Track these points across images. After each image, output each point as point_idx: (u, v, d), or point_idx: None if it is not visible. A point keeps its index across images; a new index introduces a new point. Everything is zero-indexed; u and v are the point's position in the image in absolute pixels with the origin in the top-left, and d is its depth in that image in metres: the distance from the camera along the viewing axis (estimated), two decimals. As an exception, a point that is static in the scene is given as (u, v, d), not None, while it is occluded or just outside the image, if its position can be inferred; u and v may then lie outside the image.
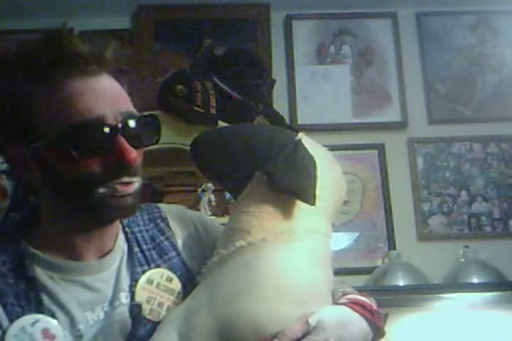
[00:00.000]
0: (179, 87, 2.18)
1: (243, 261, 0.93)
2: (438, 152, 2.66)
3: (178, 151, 2.12)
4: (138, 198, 0.95)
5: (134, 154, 0.90)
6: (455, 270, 2.30)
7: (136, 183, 0.94)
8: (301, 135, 1.04)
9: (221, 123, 2.14)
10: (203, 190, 2.28)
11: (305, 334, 0.87)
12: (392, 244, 2.53)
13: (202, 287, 0.95)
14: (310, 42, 2.76)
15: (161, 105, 2.20)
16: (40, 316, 0.90)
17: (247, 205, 0.97)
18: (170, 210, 1.11)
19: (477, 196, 2.62)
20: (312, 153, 1.01)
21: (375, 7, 2.76)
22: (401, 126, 2.68)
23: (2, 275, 0.92)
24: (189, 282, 1.00)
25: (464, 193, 2.63)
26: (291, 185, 0.95)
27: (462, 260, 2.33)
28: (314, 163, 0.99)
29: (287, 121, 2.51)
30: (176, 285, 1.00)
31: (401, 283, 2.23)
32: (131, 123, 0.91)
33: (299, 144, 1.01)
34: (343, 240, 2.54)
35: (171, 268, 1.01)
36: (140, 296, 0.96)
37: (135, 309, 0.95)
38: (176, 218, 1.09)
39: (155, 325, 0.94)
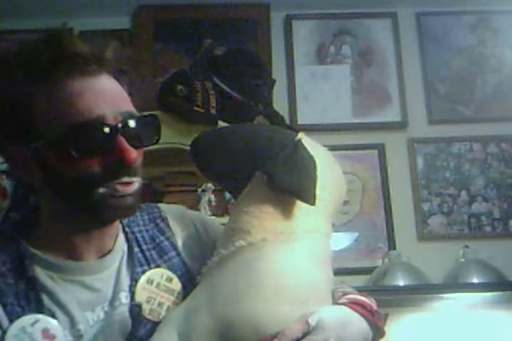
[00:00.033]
0: (179, 87, 2.18)
1: (243, 261, 0.93)
2: (438, 152, 2.66)
3: (178, 151, 2.12)
4: (138, 198, 0.95)
5: (134, 154, 0.91)
6: (455, 270, 2.30)
7: (136, 183, 0.94)
8: (301, 135, 1.04)
9: (221, 123, 2.14)
10: (203, 190, 2.28)
11: (305, 334, 0.87)
12: (392, 244, 2.53)
13: (202, 287, 0.95)
14: (310, 42, 2.76)
15: (161, 105, 2.20)
16: (40, 316, 0.90)
17: (247, 205, 0.97)
18: (170, 210, 1.11)
19: (477, 196, 2.62)
20: (312, 153, 1.01)
21: (375, 7, 2.76)
22: (401, 126, 2.68)
23: (2, 275, 0.92)
24: (189, 282, 1.00)
25: (463, 193, 2.63)
26: (291, 185, 0.95)
27: (462, 260, 2.33)
28: (314, 163, 0.99)
29: (287, 121, 2.50)
30: (176, 285, 1.00)
31: (401, 283, 2.23)
32: (131, 123, 0.91)
33: (299, 144, 1.01)
34: (343, 240, 2.53)
35: (171, 268, 1.01)
36: (140, 296, 0.96)
37: (135, 309, 0.95)
38: (176, 218, 1.09)
39: (155, 325, 0.94)
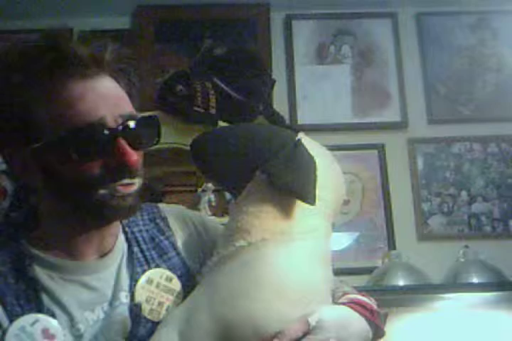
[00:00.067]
0: (179, 87, 2.18)
1: (243, 260, 0.93)
2: (438, 152, 2.66)
3: (178, 151, 2.12)
4: (138, 198, 0.95)
5: (135, 156, 0.91)
6: (455, 270, 2.30)
7: (136, 184, 0.94)
8: (301, 135, 1.04)
9: (221, 123, 2.14)
10: (203, 190, 2.28)
11: (305, 334, 0.88)
12: (392, 244, 2.53)
13: (202, 287, 0.95)
14: (310, 42, 2.76)
15: (161, 105, 2.20)
16: (40, 316, 0.90)
17: (247, 205, 0.97)
18: (170, 210, 1.11)
19: (477, 196, 2.62)
20: (312, 152, 1.01)
21: (375, 7, 2.76)
22: (401, 126, 2.68)
23: (2, 275, 0.92)
24: (189, 282, 1.00)
25: (464, 193, 2.62)
26: (291, 185, 0.95)
27: (462, 260, 2.33)
28: (314, 162, 0.99)
29: (287, 121, 2.50)
30: (176, 285, 1.00)
31: (401, 283, 2.23)
32: (132, 126, 0.91)
33: (298, 144, 1.01)
34: (343, 240, 2.53)
35: (170, 268, 1.01)
36: (140, 296, 0.96)
37: (135, 309, 0.95)
38: (175, 218, 1.09)
39: (155, 324, 0.94)
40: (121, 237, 1.03)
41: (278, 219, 0.95)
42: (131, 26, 2.74)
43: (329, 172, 1.03)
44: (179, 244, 1.06)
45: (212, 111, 2.20)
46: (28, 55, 0.91)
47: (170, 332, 0.90)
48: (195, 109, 2.18)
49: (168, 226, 1.07)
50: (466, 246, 2.35)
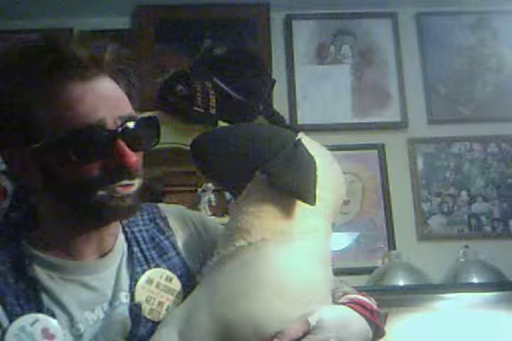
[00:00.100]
0: (179, 87, 2.18)
1: (243, 260, 0.93)
2: (438, 152, 2.66)
3: (178, 151, 2.12)
4: (138, 199, 0.95)
5: (134, 158, 0.91)
6: (455, 270, 2.30)
7: (135, 185, 0.94)
8: (301, 135, 1.04)
9: (221, 123, 2.14)
10: (203, 190, 2.28)
11: (305, 334, 0.88)
12: (392, 244, 2.53)
13: (202, 287, 0.95)
14: (310, 42, 2.76)
15: (161, 105, 2.20)
16: (39, 316, 0.90)
17: (247, 205, 0.97)
18: (170, 210, 1.11)
19: (477, 196, 2.62)
20: (312, 152, 1.01)
21: (375, 7, 2.76)
22: (401, 126, 2.68)
23: (2, 275, 0.92)
24: (189, 282, 1.00)
25: (464, 193, 2.62)
26: (291, 185, 0.95)
27: (462, 260, 2.33)
28: (314, 162, 0.99)
29: (287, 121, 2.50)
30: (176, 284, 1.00)
31: (401, 283, 2.23)
32: (131, 127, 0.91)
33: (298, 144, 1.01)
34: (343, 240, 2.53)
35: (170, 268, 1.01)
36: (140, 296, 0.96)
37: (135, 309, 0.95)
38: (175, 218, 1.09)
39: (155, 324, 0.95)
40: (121, 237, 1.03)
41: (278, 219, 0.95)
42: (131, 26, 2.74)
43: (329, 172, 1.03)
44: (179, 243, 1.06)
45: (212, 111, 2.20)
46: (28, 55, 0.91)
47: (170, 332, 0.90)
48: (195, 109, 2.18)
49: (168, 226, 1.07)
50: (466, 246, 2.35)
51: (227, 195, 2.22)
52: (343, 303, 0.96)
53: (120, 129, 0.90)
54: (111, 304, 0.96)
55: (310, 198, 0.95)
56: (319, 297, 0.93)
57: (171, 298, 0.99)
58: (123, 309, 0.95)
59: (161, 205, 1.12)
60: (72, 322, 0.92)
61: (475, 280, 2.24)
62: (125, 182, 0.92)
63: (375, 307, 0.99)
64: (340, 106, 2.69)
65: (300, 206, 0.96)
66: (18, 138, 0.92)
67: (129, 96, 0.96)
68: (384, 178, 2.61)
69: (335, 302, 0.97)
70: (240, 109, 2.25)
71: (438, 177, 2.64)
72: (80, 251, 0.97)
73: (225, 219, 1.13)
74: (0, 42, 2.39)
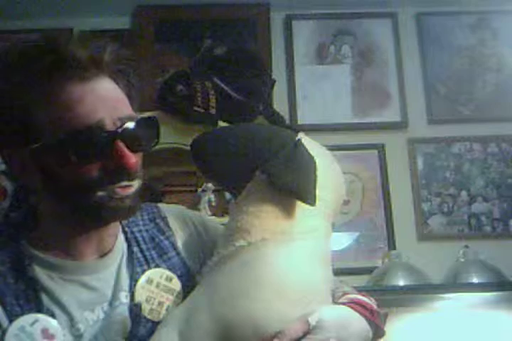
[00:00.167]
0: (179, 87, 2.18)
1: (243, 260, 0.93)
2: (438, 152, 2.66)
3: (178, 151, 2.12)
4: (137, 199, 0.95)
5: (133, 159, 0.90)
6: (455, 270, 2.30)
7: (134, 186, 0.94)
8: (301, 135, 1.04)
9: (221, 123, 2.14)
10: (203, 190, 2.28)
11: (305, 334, 0.88)
12: (392, 244, 2.53)
13: (202, 287, 0.95)
14: (310, 42, 2.76)
15: (161, 105, 2.20)
16: (39, 316, 0.90)
17: (247, 205, 0.97)
18: (170, 210, 1.11)
19: (477, 196, 2.62)
20: (312, 152, 1.01)
21: (375, 7, 2.76)
22: (401, 126, 2.68)
23: (1, 275, 0.92)
24: (189, 282, 1.00)
25: (464, 193, 2.62)
26: (291, 185, 0.95)
27: (462, 260, 2.33)
28: (314, 162, 0.99)
29: (287, 121, 2.50)
30: (176, 284, 1.00)
31: (401, 283, 2.23)
32: (130, 128, 0.91)
33: (298, 144, 1.01)
34: (343, 240, 2.53)
35: (170, 268, 1.01)
36: (140, 296, 0.96)
37: (135, 309, 0.95)
38: (175, 218, 1.09)
39: (155, 324, 0.94)
40: (121, 237, 1.03)
41: (278, 219, 0.95)
42: (131, 26, 2.74)
43: (329, 172, 1.03)
44: (179, 243, 1.06)
45: (212, 111, 2.20)
46: (28, 55, 0.91)
47: (170, 332, 0.90)
48: (195, 109, 2.18)
49: (168, 226, 1.07)
50: (466, 246, 2.35)
51: (227, 195, 2.22)
52: (343, 303, 0.96)
53: (119, 130, 0.90)
54: (111, 304, 0.96)
55: (310, 198, 0.95)
56: (319, 297, 0.93)
57: (171, 298, 0.99)
58: (123, 309, 0.95)
59: (161, 205, 1.12)
60: (72, 322, 0.92)
61: (475, 280, 2.24)
62: (124, 183, 0.92)
63: (375, 307, 0.99)
64: (340, 106, 2.69)
65: (300, 206, 0.96)
66: (18, 139, 0.91)
67: (129, 97, 0.96)
68: (384, 178, 2.61)
69: (335, 302, 0.97)
70: (240, 109, 2.25)
71: (438, 177, 2.64)
72: (79, 251, 0.97)
73: (225, 219, 1.13)
74: (0, 42, 2.39)
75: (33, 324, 0.89)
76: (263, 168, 0.98)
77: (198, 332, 0.89)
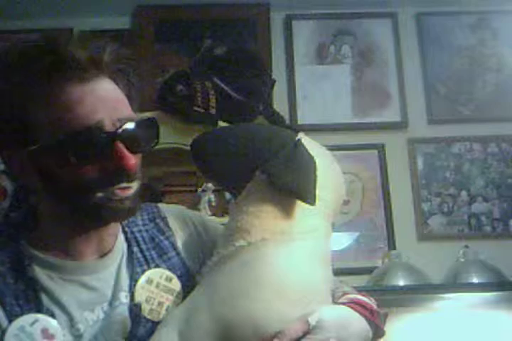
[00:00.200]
0: (179, 87, 2.18)
1: (243, 260, 0.92)
2: (438, 152, 2.66)
3: (177, 151, 2.12)
4: (137, 200, 0.94)
5: (132, 160, 0.90)
6: (455, 270, 2.30)
7: (134, 187, 0.93)
8: (300, 135, 1.04)
9: (221, 123, 2.14)
10: (203, 190, 2.28)
11: (305, 334, 0.88)
12: (392, 244, 2.53)
13: (202, 287, 0.95)
14: (310, 42, 2.76)
15: (161, 105, 2.20)
16: (39, 316, 0.90)
17: (247, 205, 0.97)
18: (169, 210, 1.11)
19: (477, 196, 2.62)
20: (312, 152, 1.01)
21: (375, 7, 2.76)
22: (401, 126, 2.68)
23: (1, 275, 0.92)
24: (189, 282, 1.00)
25: (464, 193, 2.62)
26: (291, 185, 0.95)
27: (462, 260, 2.33)
28: (314, 162, 0.99)
29: (287, 121, 2.50)
30: (176, 285, 1.00)
31: (401, 283, 2.23)
32: (130, 129, 0.91)
33: (298, 144, 1.01)
34: (343, 240, 2.53)
35: (170, 268, 1.01)
36: (140, 296, 0.96)
37: (135, 309, 0.95)
38: (175, 218, 1.09)
39: (155, 324, 0.94)
40: (121, 237, 1.03)
41: (278, 219, 0.95)
42: (131, 26, 2.74)
43: (329, 172, 1.03)
44: (179, 244, 1.06)
45: (212, 111, 2.20)
46: (28, 55, 0.91)
47: (170, 332, 0.90)
48: (195, 109, 2.18)
49: (168, 226, 1.07)
50: (466, 246, 2.35)
51: (227, 195, 2.21)
52: (343, 303, 0.96)
53: (119, 131, 0.90)
54: (111, 304, 0.96)
55: (310, 198, 0.95)
56: (319, 297, 0.93)
57: (171, 298, 0.99)
58: (123, 309, 0.95)
59: (160, 205, 1.12)
60: (71, 322, 0.92)
61: (475, 280, 2.24)
62: (124, 184, 0.92)
63: (375, 307, 0.99)
64: (340, 106, 2.69)
65: (300, 206, 0.96)
66: (17, 140, 0.91)
67: (129, 97, 0.96)
68: (384, 178, 2.61)
69: (335, 302, 0.97)
70: (240, 109, 2.25)
71: (438, 177, 2.64)
72: (79, 252, 0.97)
73: (225, 219, 1.13)
74: (0, 42, 2.39)
75: (32, 324, 0.89)
76: (263, 168, 0.98)
77: (198, 332, 0.89)
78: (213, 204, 2.28)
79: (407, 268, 2.29)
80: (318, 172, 0.98)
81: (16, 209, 1.04)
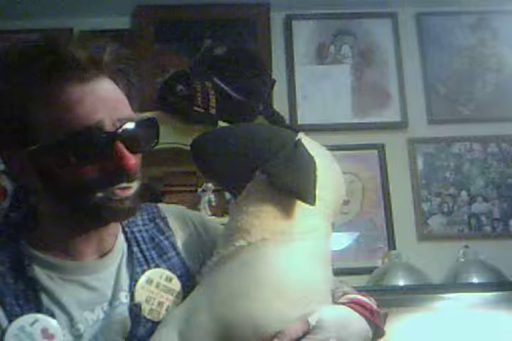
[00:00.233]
0: (179, 87, 2.18)
1: (243, 260, 0.92)
2: (438, 152, 2.66)
3: (177, 151, 2.12)
4: (137, 200, 0.95)
5: (132, 160, 0.90)
6: (455, 270, 2.30)
7: (133, 187, 0.93)
8: (301, 135, 1.04)
9: (221, 123, 2.14)
10: (203, 190, 2.28)
11: (305, 334, 0.88)
12: (392, 244, 2.53)
13: (202, 287, 0.95)
14: (310, 42, 2.76)
15: (161, 105, 2.20)
16: (39, 316, 0.90)
17: (247, 205, 0.97)
18: (169, 210, 1.11)
19: (477, 196, 2.62)
20: (312, 152, 1.01)
21: (375, 7, 2.76)
22: (401, 126, 2.68)
23: (1, 275, 0.92)
24: (189, 282, 1.00)
25: (464, 193, 2.62)
26: (290, 185, 0.95)
27: (462, 260, 2.33)
28: (314, 162, 0.99)
29: (287, 121, 2.50)
30: (176, 285, 1.00)
31: (401, 283, 2.23)
32: (130, 129, 0.91)
33: (298, 144, 1.01)
34: (343, 240, 2.53)
35: (170, 268, 1.01)
36: (140, 296, 0.96)
37: (135, 309, 0.95)
38: (175, 218, 1.09)
39: (155, 324, 0.94)
40: (121, 237, 1.03)
41: (278, 219, 0.95)
42: (131, 26, 2.74)
43: (329, 172, 1.03)
44: (179, 244, 1.06)
45: (212, 111, 2.20)
46: (28, 55, 0.91)
47: (170, 332, 0.90)
48: (195, 109, 2.18)
49: (168, 226, 1.07)
50: (466, 246, 2.35)
51: (227, 195, 2.21)
52: (343, 303, 0.96)
53: (119, 131, 0.90)
54: (111, 304, 0.96)
55: (310, 198, 0.95)
56: (319, 297, 0.93)
57: (171, 298, 0.99)
58: (123, 309, 0.95)
59: (160, 205, 1.12)
60: (71, 322, 0.92)
61: (475, 280, 2.24)
62: (124, 184, 0.92)
63: (374, 307, 0.99)
64: (340, 106, 2.69)
65: (300, 206, 0.96)
66: (17, 140, 0.91)
67: (129, 97, 0.96)
68: (384, 178, 2.61)
69: (335, 302, 0.97)
70: (240, 109, 2.25)
71: (438, 177, 2.64)
72: (79, 251, 0.97)
73: (225, 219, 1.13)
74: (0, 42, 2.39)
75: (32, 324, 0.89)
76: (263, 168, 0.98)
77: (198, 332, 0.89)
78: (213, 204, 2.28)
79: (407, 268, 2.29)
80: (318, 172, 0.98)
81: (15, 209, 1.04)
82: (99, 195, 0.90)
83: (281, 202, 0.96)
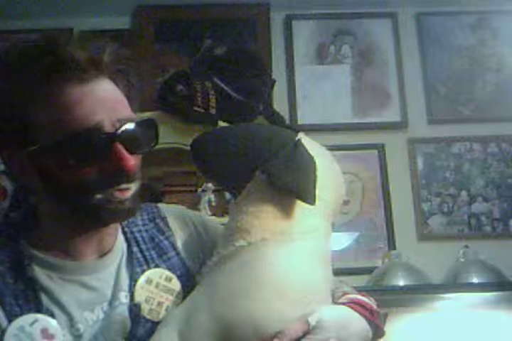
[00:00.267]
0: (179, 87, 2.18)
1: (243, 260, 0.92)
2: (438, 152, 2.66)
3: (177, 151, 2.12)
4: (136, 201, 0.94)
5: (132, 161, 0.90)
6: (455, 270, 2.30)
7: (133, 188, 0.93)
8: (301, 135, 1.04)
9: (221, 123, 2.14)
10: (203, 190, 2.28)
11: (305, 334, 0.88)
12: (392, 244, 2.53)
13: (202, 287, 0.95)
14: (310, 42, 2.76)
15: (161, 105, 2.20)
16: (39, 316, 0.90)
17: (247, 205, 0.97)
18: (169, 210, 1.11)
19: (477, 196, 2.62)
20: (312, 152, 1.01)
21: (375, 7, 2.76)
22: (401, 126, 2.68)
23: (1, 275, 0.92)
24: (189, 282, 1.00)
25: (464, 193, 2.62)
26: (290, 185, 0.95)
27: (462, 260, 2.33)
28: (314, 162, 0.99)
29: (287, 121, 2.50)
30: (176, 285, 1.00)
31: (401, 283, 2.23)
32: (129, 130, 0.91)
33: (298, 144, 1.01)
34: (343, 240, 2.53)
35: (170, 268, 1.01)
36: (139, 296, 0.96)
37: (134, 309, 0.95)
38: (175, 218, 1.09)
39: (154, 324, 0.94)
40: (121, 237, 1.03)
41: (278, 219, 0.95)
42: (131, 26, 2.74)
43: (329, 172, 1.03)
44: (179, 244, 1.06)
45: (212, 111, 2.20)
46: (28, 55, 0.91)
47: (170, 332, 0.90)
48: (195, 109, 2.18)
49: (168, 226, 1.07)
50: (466, 246, 2.35)
51: (227, 195, 2.21)
52: (343, 303, 0.96)
53: (118, 132, 0.89)
54: (110, 304, 0.96)
55: (310, 198, 0.95)
56: (319, 297, 0.93)
57: (171, 298, 0.99)
58: (122, 309, 0.95)
59: (160, 205, 1.12)
60: (71, 322, 0.92)
61: (475, 280, 2.24)
62: (123, 186, 0.92)
63: (374, 307, 0.99)
64: (340, 106, 2.69)
65: (300, 206, 0.96)
66: (17, 140, 0.91)
67: (129, 97, 0.96)
68: (384, 178, 2.61)
69: (335, 302, 0.97)
70: (240, 109, 2.25)
71: (438, 177, 2.64)
72: (79, 251, 0.97)
73: (225, 219, 1.13)
74: (0, 43, 2.38)
75: (32, 324, 0.89)
76: (263, 168, 0.98)
77: (198, 332, 0.89)
78: (213, 204, 2.28)
79: (407, 268, 2.29)
80: (318, 172, 0.98)
81: (15, 209, 1.04)
82: (99, 196, 0.90)
83: (281, 202, 0.96)
